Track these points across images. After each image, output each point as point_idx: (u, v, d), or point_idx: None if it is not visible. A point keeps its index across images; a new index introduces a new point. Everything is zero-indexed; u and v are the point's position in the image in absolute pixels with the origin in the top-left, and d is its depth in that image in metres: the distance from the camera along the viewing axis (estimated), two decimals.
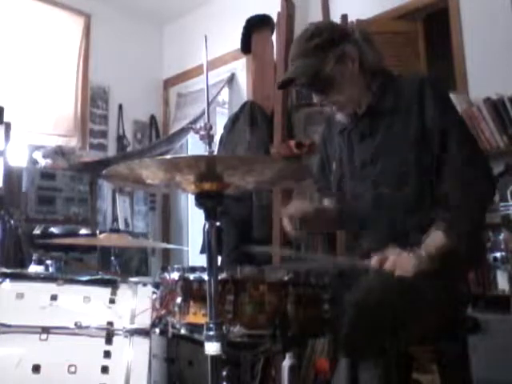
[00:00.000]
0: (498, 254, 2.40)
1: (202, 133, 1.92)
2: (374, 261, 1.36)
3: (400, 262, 1.33)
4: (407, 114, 1.49)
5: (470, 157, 1.45)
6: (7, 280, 1.68)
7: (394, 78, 1.59)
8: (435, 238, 1.36)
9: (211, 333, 1.02)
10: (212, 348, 1.02)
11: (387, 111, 1.52)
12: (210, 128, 1.60)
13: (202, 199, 1.09)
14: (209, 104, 1.33)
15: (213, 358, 1.02)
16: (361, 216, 1.56)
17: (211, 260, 1.07)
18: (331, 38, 1.52)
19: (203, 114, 3.78)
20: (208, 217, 1.08)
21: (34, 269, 2.19)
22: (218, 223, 1.09)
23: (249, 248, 1.63)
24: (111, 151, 4.57)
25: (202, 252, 3.36)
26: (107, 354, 1.55)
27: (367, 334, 1.21)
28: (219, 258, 3.35)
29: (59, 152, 3.75)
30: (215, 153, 3.16)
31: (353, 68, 1.53)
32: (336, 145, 1.68)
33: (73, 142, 4.27)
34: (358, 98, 1.55)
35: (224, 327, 1.07)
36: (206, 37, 1.30)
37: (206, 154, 1.42)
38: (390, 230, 1.48)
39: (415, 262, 1.33)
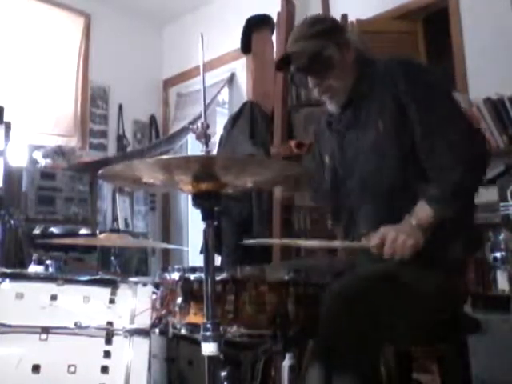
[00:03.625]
0: (498, 254, 2.40)
1: (198, 132, 1.92)
2: (374, 241, 1.35)
3: (398, 245, 1.32)
4: (382, 95, 1.50)
5: (451, 121, 1.42)
6: (7, 280, 1.68)
7: (371, 63, 1.60)
8: (421, 210, 1.36)
9: (208, 333, 1.02)
10: (209, 348, 1.01)
11: (364, 97, 1.54)
12: (207, 127, 1.60)
13: (199, 199, 1.08)
14: (206, 103, 1.33)
15: (210, 358, 1.02)
16: (350, 202, 1.57)
17: (208, 260, 1.07)
18: (331, 25, 1.58)
19: None
20: (205, 217, 1.08)
21: (33, 269, 2.19)
22: (215, 223, 1.08)
23: (249, 241, 1.63)
24: (111, 151, 4.57)
25: (202, 252, 3.36)
26: (107, 354, 1.55)
27: (343, 328, 1.19)
28: (219, 258, 3.34)
29: (59, 152, 3.75)
30: (213, 152, 3.17)
31: (348, 57, 1.56)
32: (328, 139, 1.70)
33: (73, 142, 4.27)
34: (350, 88, 1.57)
35: (221, 327, 1.07)
36: (202, 35, 1.30)
37: (202, 153, 1.42)
38: (377, 211, 1.48)
39: (413, 242, 1.32)
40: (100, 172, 1.07)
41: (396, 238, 1.32)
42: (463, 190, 1.39)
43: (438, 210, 1.35)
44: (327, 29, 1.55)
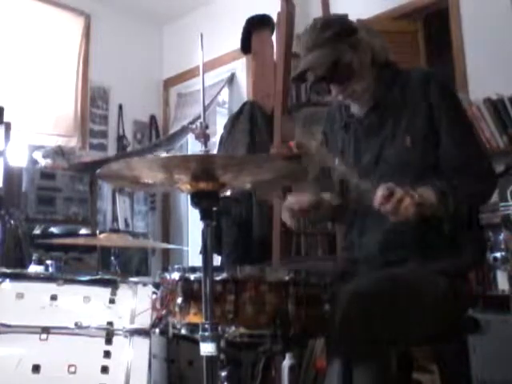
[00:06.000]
0: (497, 254, 2.40)
1: (197, 132, 1.92)
2: (380, 195, 1.31)
3: (406, 199, 1.29)
4: (414, 110, 1.48)
5: (471, 156, 1.45)
6: (7, 280, 1.69)
7: (400, 71, 1.58)
8: (424, 190, 1.35)
9: (206, 333, 1.02)
10: (207, 348, 1.01)
11: (394, 106, 1.52)
12: (206, 127, 1.60)
13: (197, 199, 1.08)
14: (206, 103, 1.33)
15: (208, 358, 1.02)
16: (365, 210, 1.55)
17: (207, 260, 1.07)
18: (343, 27, 1.53)
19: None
20: (204, 217, 1.08)
21: (33, 269, 2.20)
22: (214, 223, 1.08)
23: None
24: (111, 151, 4.57)
25: (201, 252, 3.36)
26: (107, 354, 1.55)
27: (360, 328, 1.20)
28: (219, 258, 3.33)
29: (59, 152, 3.75)
30: (212, 152, 3.16)
31: (366, 57, 1.53)
32: (339, 139, 1.67)
33: (73, 142, 4.28)
34: (373, 88, 1.54)
35: (220, 327, 1.07)
36: (201, 35, 1.29)
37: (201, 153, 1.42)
38: (392, 223, 1.46)
39: (418, 208, 1.29)
40: (98, 171, 1.07)
41: (404, 198, 1.30)
42: (472, 200, 1.43)
43: (440, 200, 1.33)
44: (339, 32, 1.51)
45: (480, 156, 1.47)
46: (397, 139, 1.49)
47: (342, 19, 1.60)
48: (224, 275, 1.16)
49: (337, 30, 1.51)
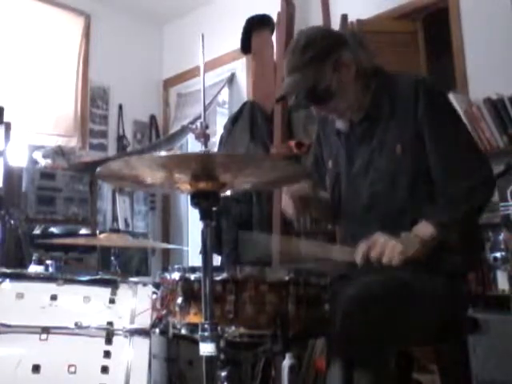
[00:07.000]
0: (498, 254, 2.40)
1: (197, 132, 1.92)
2: (361, 248, 1.33)
3: (387, 249, 1.31)
4: (404, 118, 1.48)
5: (463, 162, 1.44)
6: (7, 280, 1.69)
7: (388, 78, 1.56)
8: (423, 227, 1.36)
9: (206, 333, 1.02)
10: (207, 348, 1.01)
11: (383, 115, 1.51)
12: (206, 127, 1.61)
13: (197, 199, 1.08)
14: (206, 103, 1.33)
15: (208, 358, 1.02)
16: (356, 216, 1.56)
17: (206, 260, 1.07)
18: (325, 46, 1.50)
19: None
20: (203, 217, 1.08)
21: (33, 269, 2.19)
22: (213, 223, 1.08)
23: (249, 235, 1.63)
24: (111, 151, 4.57)
25: (201, 252, 3.36)
26: (107, 354, 1.55)
27: (361, 329, 1.20)
28: (219, 258, 3.34)
29: (59, 152, 3.75)
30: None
31: (349, 74, 1.51)
32: (332, 144, 1.67)
33: (73, 142, 4.27)
34: (357, 103, 1.54)
35: (220, 327, 1.07)
36: (202, 35, 1.30)
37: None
38: (383, 230, 1.45)
39: (402, 249, 1.31)
40: (98, 170, 1.07)
41: (387, 242, 1.32)
42: (471, 217, 1.43)
43: (441, 233, 1.35)
44: (320, 52, 1.48)
45: (460, 175, 1.43)
46: (387, 147, 1.49)
47: (325, 35, 1.55)
48: (224, 275, 1.17)
49: (317, 51, 1.48)
